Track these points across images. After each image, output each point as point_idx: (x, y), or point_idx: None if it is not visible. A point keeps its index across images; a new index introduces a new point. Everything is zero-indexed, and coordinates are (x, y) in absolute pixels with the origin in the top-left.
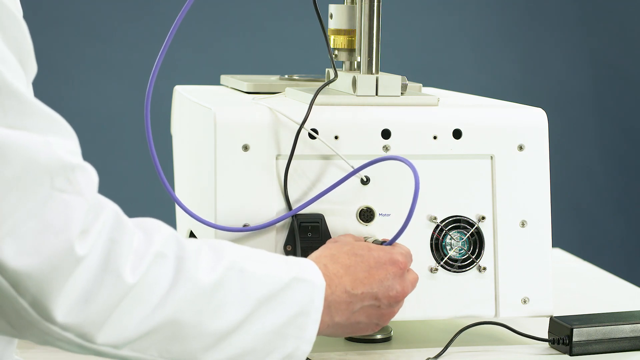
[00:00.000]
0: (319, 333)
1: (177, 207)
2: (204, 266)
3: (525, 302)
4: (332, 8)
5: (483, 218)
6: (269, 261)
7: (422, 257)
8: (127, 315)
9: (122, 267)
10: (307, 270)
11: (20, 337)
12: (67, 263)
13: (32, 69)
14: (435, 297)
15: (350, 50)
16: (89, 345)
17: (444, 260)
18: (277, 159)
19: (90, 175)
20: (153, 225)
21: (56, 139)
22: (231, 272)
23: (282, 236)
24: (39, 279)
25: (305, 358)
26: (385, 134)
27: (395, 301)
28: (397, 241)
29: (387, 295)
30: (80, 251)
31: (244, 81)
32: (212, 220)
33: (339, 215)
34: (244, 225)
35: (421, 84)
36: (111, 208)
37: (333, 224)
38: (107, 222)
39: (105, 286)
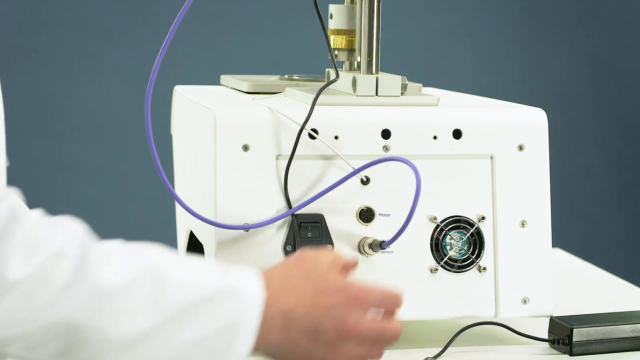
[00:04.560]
0: (255, 350)
1: (177, 208)
2: (112, 269)
3: (525, 302)
4: (332, 8)
5: (483, 218)
6: (200, 269)
7: (422, 257)
8: (12, 310)
9: (8, 262)
10: (246, 283)
11: None
12: None
13: None
14: (435, 297)
15: (350, 50)
16: None
17: (444, 261)
18: (277, 159)
19: None
20: (63, 223)
21: None
22: (145, 277)
23: (282, 236)
24: None
25: None
26: (386, 134)
27: (344, 333)
28: (398, 243)
29: (332, 324)
30: None
31: (244, 81)
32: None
33: (339, 215)
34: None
35: (421, 84)
36: (7, 204)
37: (333, 223)
38: None
39: None
